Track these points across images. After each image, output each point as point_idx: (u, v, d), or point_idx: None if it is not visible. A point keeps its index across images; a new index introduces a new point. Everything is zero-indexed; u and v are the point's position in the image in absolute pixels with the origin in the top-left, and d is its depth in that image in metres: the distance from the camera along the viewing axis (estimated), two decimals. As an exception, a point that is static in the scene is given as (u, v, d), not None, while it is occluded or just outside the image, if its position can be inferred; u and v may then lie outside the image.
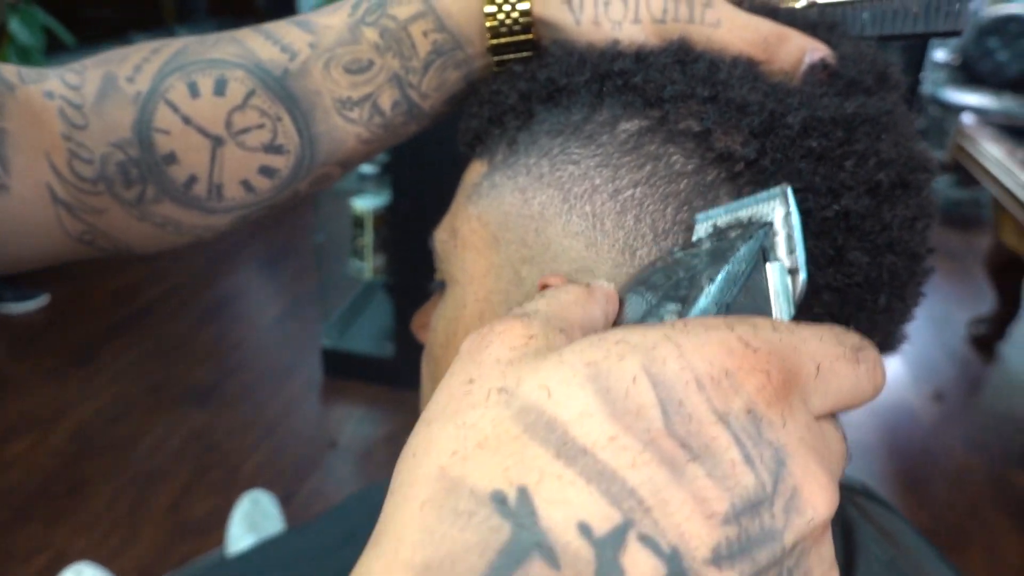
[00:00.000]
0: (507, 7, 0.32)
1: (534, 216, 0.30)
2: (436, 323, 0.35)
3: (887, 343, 0.31)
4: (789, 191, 0.24)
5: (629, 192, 0.28)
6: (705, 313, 0.21)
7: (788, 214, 0.23)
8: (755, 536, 0.16)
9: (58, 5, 2.88)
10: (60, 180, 0.33)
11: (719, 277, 0.21)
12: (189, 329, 2.52)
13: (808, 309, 0.28)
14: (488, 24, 0.32)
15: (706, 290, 0.21)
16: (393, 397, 2.19)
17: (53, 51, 2.54)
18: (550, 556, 0.15)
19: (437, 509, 0.16)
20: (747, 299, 0.21)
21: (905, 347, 0.32)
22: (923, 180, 0.29)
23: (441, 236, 0.35)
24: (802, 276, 0.22)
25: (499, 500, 0.16)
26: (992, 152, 2.24)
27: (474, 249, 0.32)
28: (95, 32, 3.76)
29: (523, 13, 0.32)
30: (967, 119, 2.56)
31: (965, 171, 2.50)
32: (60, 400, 2.10)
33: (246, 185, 0.34)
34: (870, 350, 0.20)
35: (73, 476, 1.82)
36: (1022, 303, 2.63)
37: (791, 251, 0.23)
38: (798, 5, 0.32)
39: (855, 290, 0.28)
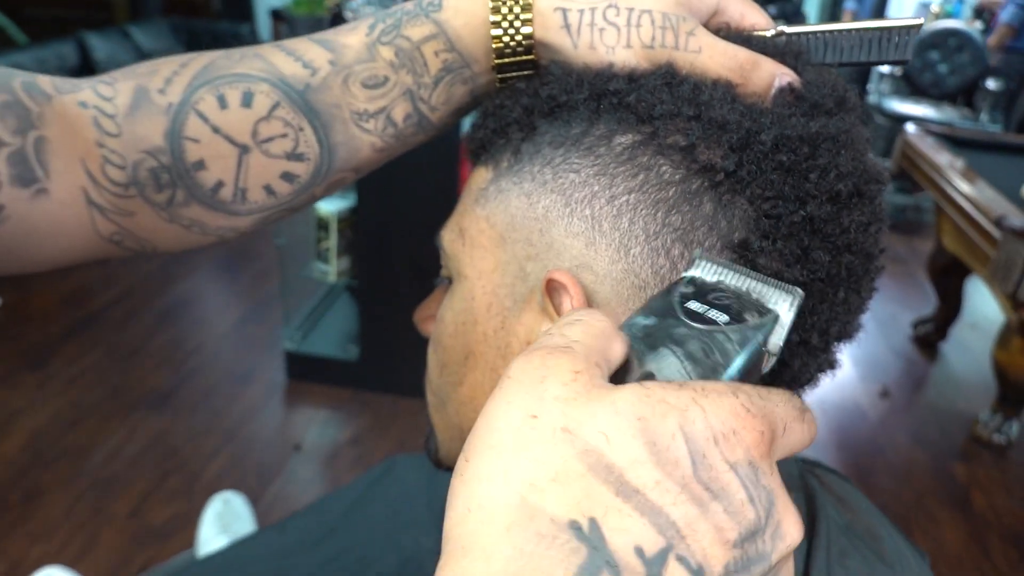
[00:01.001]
0: (512, 31, 0.35)
1: (538, 218, 0.33)
2: (444, 314, 0.38)
3: (845, 332, 0.35)
4: (801, 297, 0.28)
5: (624, 198, 0.31)
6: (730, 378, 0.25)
7: (793, 314, 0.27)
8: (753, 557, 0.21)
9: (8, 3, 2.81)
10: (94, 184, 0.35)
11: (742, 362, 0.26)
12: (144, 333, 2.48)
13: None
14: (494, 46, 0.35)
15: (732, 372, 0.25)
16: (357, 399, 2.19)
17: (3, 49, 2.48)
18: (615, 571, 0.19)
19: (523, 532, 0.20)
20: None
21: (853, 347, 0.36)
22: (876, 190, 0.33)
23: (448, 236, 0.38)
24: (774, 360, 0.27)
25: (576, 528, 0.20)
26: (933, 160, 2.35)
27: (482, 247, 0.35)
28: (46, 31, 3.67)
29: (526, 36, 0.35)
30: (910, 129, 2.67)
31: (909, 178, 2.61)
32: (12, 406, 2.05)
33: (268, 189, 0.37)
34: (810, 412, 0.26)
35: (28, 484, 1.79)
36: (962, 304, 2.75)
37: (779, 343, 0.27)
38: (767, 34, 0.36)
39: (818, 285, 0.32)
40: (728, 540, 0.21)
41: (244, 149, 0.36)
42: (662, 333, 0.25)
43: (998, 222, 1.87)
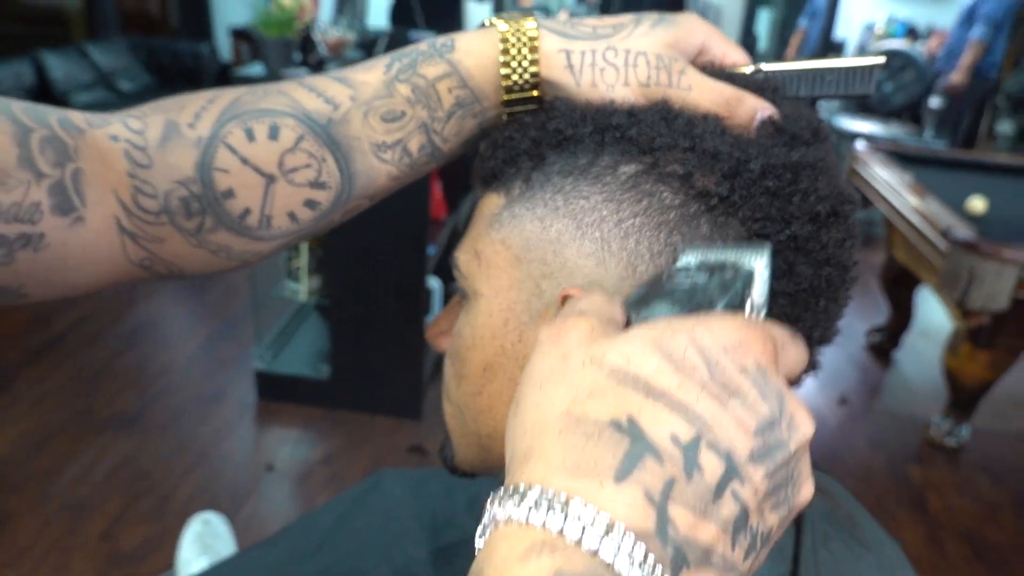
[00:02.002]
0: (520, 70, 0.38)
1: (552, 240, 0.37)
2: (463, 330, 0.41)
3: (825, 336, 0.39)
4: (769, 250, 0.32)
5: (630, 221, 0.35)
6: None
7: (766, 267, 0.31)
8: (773, 445, 0.25)
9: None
10: (126, 212, 0.37)
11: (724, 301, 0.29)
12: (108, 356, 2.44)
13: (768, 311, 0.36)
14: (504, 83, 0.39)
15: (718, 308, 0.29)
16: (329, 418, 2.19)
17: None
18: (657, 456, 0.23)
19: (572, 434, 0.24)
20: None
21: None
22: (849, 210, 0.37)
23: (464, 257, 0.41)
24: (764, 311, 0.31)
25: (617, 425, 0.23)
26: (882, 175, 2.45)
27: (498, 267, 0.39)
28: (4, 49, 3.61)
29: (533, 75, 0.38)
30: (859, 146, 2.79)
31: (859, 192, 2.72)
32: (-26, 432, 2.01)
33: (292, 216, 0.39)
34: (798, 336, 0.30)
35: (-7, 510, 1.75)
36: (913, 313, 2.87)
37: (763, 293, 0.31)
38: (747, 71, 0.41)
39: (802, 295, 0.36)
40: (749, 429, 0.24)
41: (271, 179, 0.38)
42: (652, 293, 0.30)
43: (944, 234, 1.97)
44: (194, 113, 0.38)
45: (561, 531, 0.21)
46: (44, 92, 3.83)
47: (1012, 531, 2.03)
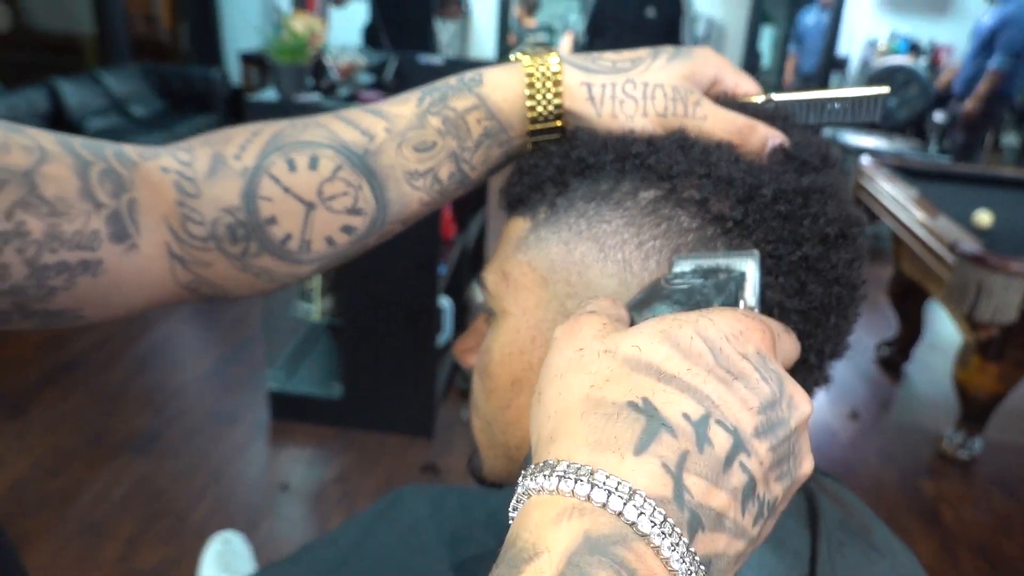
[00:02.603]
0: (544, 102, 0.41)
1: (576, 262, 0.39)
2: (491, 346, 0.43)
3: (836, 351, 0.41)
4: (758, 255, 0.34)
5: (650, 244, 0.37)
6: None
7: (756, 270, 0.33)
8: (775, 421, 0.27)
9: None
10: (176, 239, 0.40)
11: (720, 300, 0.31)
12: (124, 378, 2.47)
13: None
14: (529, 115, 0.41)
15: (715, 306, 0.32)
16: (342, 437, 2.21)
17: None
18: (671, 431, 0.25)
19: (593, 415, 0.26)
20: None
21: None
22: (857, 232, 0.39)
23: (491, 278, 0.43)
24: (756, 309, 0.33)
25: (633, 405, 0.26)
26: (887, 190, 2.47)
27: (525, 288, 0.41)
28: (19, 76, 3.68)
29: (557, 107, 0.41)
30: (864, 161, 2.81)
31: (866, 208, 2.74)
32: (-8, 455, 2.03)
33: (329, 241, 0.42)
34: (790, 329, 0.33)
35: (12, 533, 1.76)
36: (923, 327, 2.87)
37: (755, 294, 0.33)
38: (759, 100, 0.43)
39: (814, 312, 0.38)
40: (752, 407, 0.27)
41: (310, 206, 0.41)
42: (653, 296, 0.32)
43: (952, 248, 1.98)
44: (239, 146, 0.41)
45: (589, 497, 0.23)
46: (58, 118, 3.90)
47: (1027, 544, 2.03)
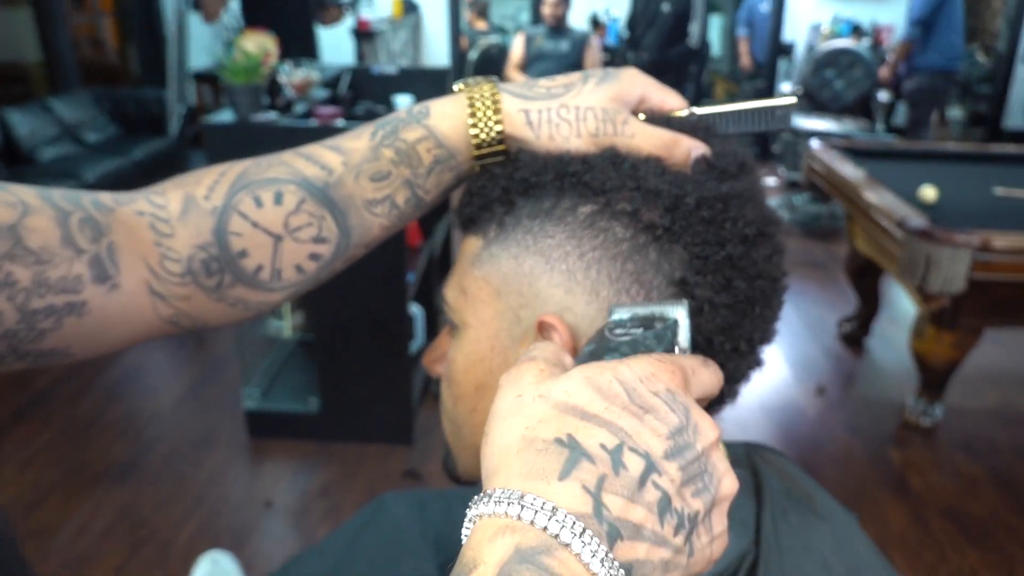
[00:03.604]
0: (487, 129, 0.44)
1: (526, 274, 0.43)
2: (455, 356, 0.47)
3: (765, 337, 0.45)
4: (687, 303, 0.38)
5: (591, 254, 0.41)
6: None
7: (686, 316, 0.38)
8: (682, 445, 0.31)
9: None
10: (155, 276, 0.43)
11: (662, 348, 0.36)
12: (97, 407, 2.46)
13: (712, 320, 0.42)
14: (473, 141, 0.45)
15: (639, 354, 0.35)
16: (322, 451, 2.23)
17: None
18: (590, 459, 0.29)
19: (527, 451, 0.30)
20: None
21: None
22: (774, 230, 0.44)
23: (451, 293, 0.47)
24: (688, 351, 0.37)
25: (559, 441, 0.30)
26: (837, 171, 2.56)
27: (482, 301, 0.44)
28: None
29: (498, 133, 0.44)
30: (814, 144, 2.89)
31: (819, 188, 2.82)
32: (-32, 495, 2.01)
33: (298, 268, 0.45)
34: (712, 363, 0.36)
35: (-5, 572, 1.76)
36: (880, 301, 2.97)
37: (687, 337, 0.37)
38: (683, 114, 0.47)
39: (740, 305, 0.42)
40: (662, 435, 0.31)
41: (278, 238, 0.44)
42: (601, 349, 0.36)
43: (900, 224, 2.06)
44: (208, 186, 0.44)
45: (519, 516, 0.27)
46: (9, 150, 3.84)
47: (992, 504, 2.12)
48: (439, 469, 2.16)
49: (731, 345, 0.42)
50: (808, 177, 2.87)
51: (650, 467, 0.30)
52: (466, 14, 6.21)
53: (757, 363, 0.45)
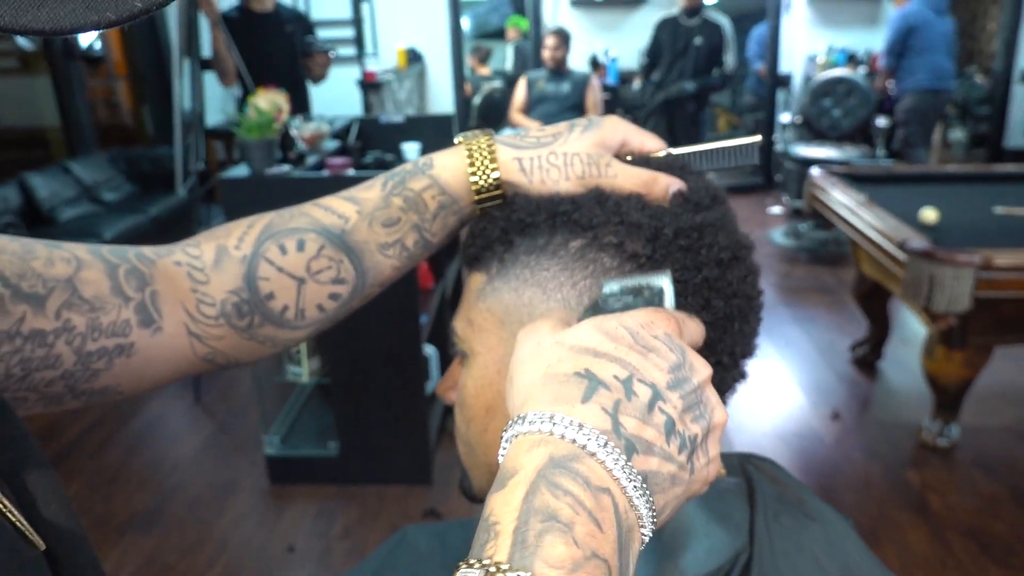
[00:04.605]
0: (485, 176, 0.50)
1: (526, 304, 0.47)
2: (466, 383, 0.51)
3: (747, 351, 0.49)
4: (670, 271, 0.43)
5: (583, 283, 0.46)
6: None
7: (670, 283, 0.43)
8: (681, 378, 0.37)
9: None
10: (192, 319, 0.48)
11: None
12: (121, 458, 2.50)
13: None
14: (473, 188, 0.50)
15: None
16: (343, 494, 2.25)
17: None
18: (606, 387, 0.35)
19: (551, 382, 0.36)
20: None
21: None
22: (746, 253, 0.48)
23: (460, 325, 0.52)
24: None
25: (578, 374, 0.35)
26: (839, 198, 2.60)
27: (487, 331, 0.49)
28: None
29: (495, 179, 0.50)
30: (814, 172, 2.95)
31: (821, 215, 2.86)
32: (-2, 550, 2.04)
33: (320, 307, 0.50)
34: (696, 317, 0.43)
35: (25, 624, 1.78)
36: (890, 324, 2.98)
37: (671, 301, 0.42)
38: (661, 154, 0.52)
39: (720, 322, 0.46)
40: (663, 369, 0.36)
41: (301, 281, 0.49)
42: (597, 311, 0.42)
43: (902, 246, 2.10)
44: (238, 237, 0.49)
45: (551, 432, 0.33)
46: (31, 212, 3.96)
47: (1013, 522, 2.10)
48: (459, 507, 2.18)
49: (714, 359, 0.47)
50: (809, 204, 2.91)
51: (656, 395, 0.35)
52: (469, 60, 6.38)
53: (741, 376, 0.50)
